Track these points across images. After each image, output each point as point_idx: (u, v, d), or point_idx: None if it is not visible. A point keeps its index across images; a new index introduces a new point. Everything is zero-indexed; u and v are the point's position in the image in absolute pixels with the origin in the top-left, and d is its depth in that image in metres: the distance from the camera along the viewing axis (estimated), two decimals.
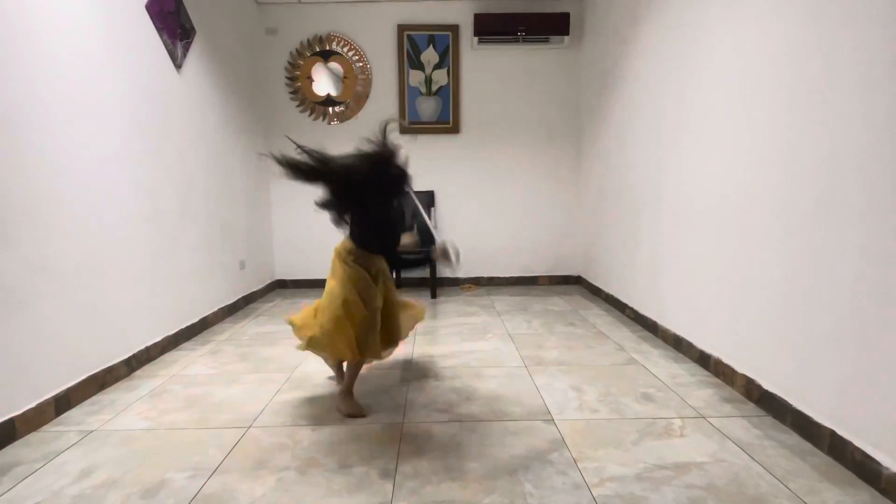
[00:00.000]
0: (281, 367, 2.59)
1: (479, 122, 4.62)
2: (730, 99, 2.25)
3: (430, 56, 4.51)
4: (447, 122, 4.59)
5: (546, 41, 4.42)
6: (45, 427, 1.95)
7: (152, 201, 2.73)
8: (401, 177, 1.89)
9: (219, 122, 3.56)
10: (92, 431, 1.92)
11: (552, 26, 4.28)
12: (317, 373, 2.48)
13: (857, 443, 1.57)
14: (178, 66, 3.01)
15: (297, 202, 4.64)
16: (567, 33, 4.30)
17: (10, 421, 1.83)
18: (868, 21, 1.54)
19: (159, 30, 2.81)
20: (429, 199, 4.61)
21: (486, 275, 4.79)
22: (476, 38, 4.36)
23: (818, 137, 1.73)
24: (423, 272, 4.62)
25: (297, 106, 4.55)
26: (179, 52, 3.01)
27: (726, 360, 2.30)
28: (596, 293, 4.24)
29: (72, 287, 2.14)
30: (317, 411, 2.07)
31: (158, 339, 2.76)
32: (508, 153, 4.66)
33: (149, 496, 1.51)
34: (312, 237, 4.70)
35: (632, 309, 3.42)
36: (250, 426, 1.95)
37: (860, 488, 1.50)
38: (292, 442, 1.82)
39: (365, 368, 2.33)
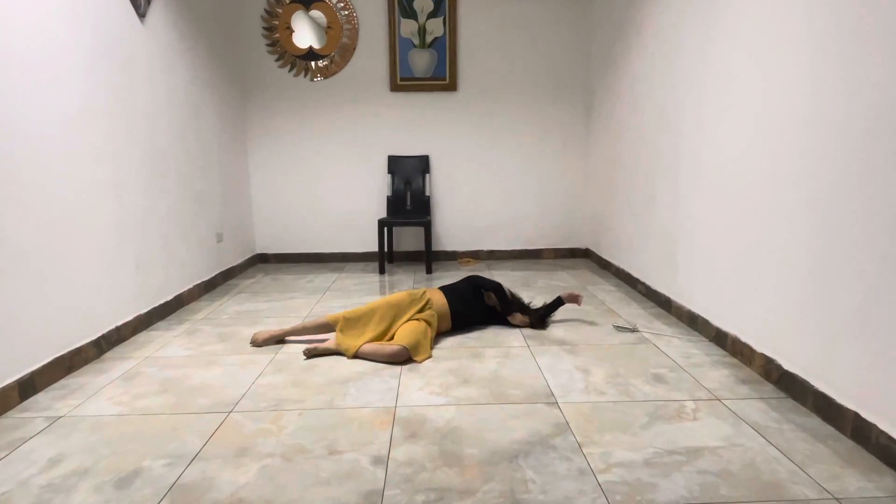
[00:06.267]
0: (264, 348, 2.61)
1: (479, 78, 4.54)
2: (754, 50, 2.21)
3: (423, 3, 4.40)
4: (443, 79, 4.50)
5: None
6: (10, 413, 1.96)
7: (116, 167, 2.69)
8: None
9: (188, 78, 3.49)
10: (60, 417, 1.93)
11: None
12: (301, 355, 2.49)
13: (883, 426, 1.59)
14: (142, 16, 2.93)
15: (277, 169, 4.61)
16: None
17: None
18: None
19: None
20: (423, 164, 4.57)
21: (485, 248, 4.79)
22: None
23: (848, 97, 1.70)
24: (419, 245, 4.65)
25: (276, 60, 4.46)
26: (143, 0, 2.93)
27: (744, 339, 2.32)
28: (605, 267, 4.25)
29: (31, 262, 2.12)
30: (303, 395, 2.09)
31: (129, 318, 2.77)
32: (511, 113, 4.60)
33: (123, 485, 1.53)
34: (296, 208, 4.68)
35: (644, 284, 3.43)
36: (231, 411, 1.97)
37: (884, 474, 1.53)
38: (277, 428, 1.84)
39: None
